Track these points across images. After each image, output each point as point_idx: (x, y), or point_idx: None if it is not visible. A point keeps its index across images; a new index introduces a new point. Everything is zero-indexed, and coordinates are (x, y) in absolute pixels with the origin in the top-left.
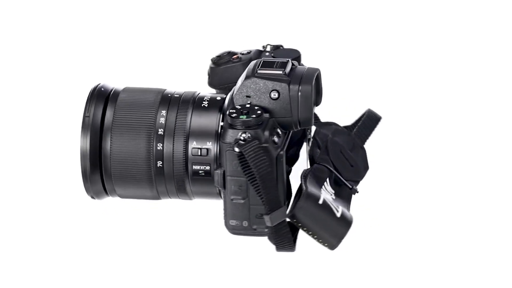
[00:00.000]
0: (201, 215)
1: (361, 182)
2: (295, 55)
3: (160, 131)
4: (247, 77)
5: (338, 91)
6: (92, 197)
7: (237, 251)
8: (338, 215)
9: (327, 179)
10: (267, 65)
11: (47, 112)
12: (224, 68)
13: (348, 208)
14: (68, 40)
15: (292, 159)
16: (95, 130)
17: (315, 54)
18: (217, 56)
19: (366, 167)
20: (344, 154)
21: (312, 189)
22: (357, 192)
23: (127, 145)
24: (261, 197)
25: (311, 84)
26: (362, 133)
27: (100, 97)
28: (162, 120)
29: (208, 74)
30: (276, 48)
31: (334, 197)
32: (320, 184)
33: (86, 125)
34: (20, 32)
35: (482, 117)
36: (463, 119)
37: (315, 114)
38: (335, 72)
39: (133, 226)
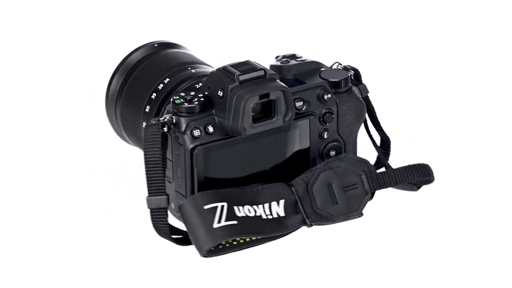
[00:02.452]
0: None
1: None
2: (342, 77)
3: (153, 96)
4: (213, 71)
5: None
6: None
7: None
8: (215, 225)
9: (282, 201)
10: (238, 65)
11: None
12: None
13: (278, 235)
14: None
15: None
16: (123, 73)
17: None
18: (282, 55)
19: (355, 212)
20: (333, 188)
21: (217, 194)
22: (311, 225)
23: (131, 98)
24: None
25: (248, 95)
26: (382, 180)
27: (146, 49)
28: (161, 86)
29: None
30: (345, 69)
31: (271, 218)
32: (257, 199)
33: (118, 67)
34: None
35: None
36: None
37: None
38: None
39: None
